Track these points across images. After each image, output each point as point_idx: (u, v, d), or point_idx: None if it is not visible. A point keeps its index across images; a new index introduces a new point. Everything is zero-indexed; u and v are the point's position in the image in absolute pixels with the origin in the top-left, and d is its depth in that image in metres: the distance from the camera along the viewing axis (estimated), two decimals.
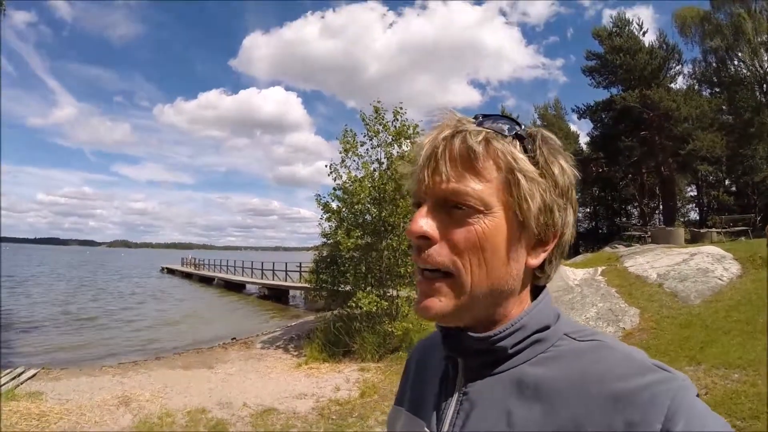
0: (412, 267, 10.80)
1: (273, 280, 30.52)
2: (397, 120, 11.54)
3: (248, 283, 33.26)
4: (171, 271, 54.61)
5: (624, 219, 32.86)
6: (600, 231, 33.17)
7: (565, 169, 0.71)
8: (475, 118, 0.70)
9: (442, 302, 0.67)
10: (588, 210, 35.09)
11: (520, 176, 0.66)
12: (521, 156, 0.67)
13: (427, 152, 0.68)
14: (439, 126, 0.70)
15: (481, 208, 0.65)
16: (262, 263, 34.10)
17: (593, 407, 0.59)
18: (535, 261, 0.71)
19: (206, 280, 40.53)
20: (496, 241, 0.67)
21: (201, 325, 18.42)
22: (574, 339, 0.69)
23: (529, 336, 0.70)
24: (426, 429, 0.75)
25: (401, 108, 11.61)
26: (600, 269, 11.52)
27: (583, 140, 34.75)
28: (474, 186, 0.65)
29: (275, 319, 19.84)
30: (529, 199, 0.67)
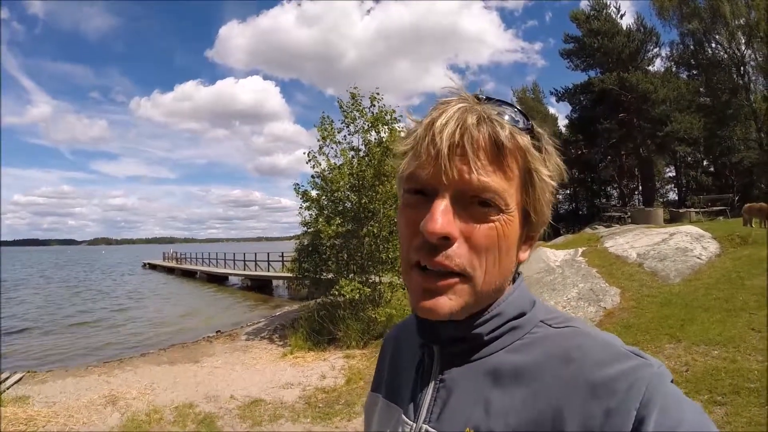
0: (393, 253, 10.82)
1: (256, 270, 30.52)
2: (374, 106, 11.49)
3: (231, 275, 33.27)
4: (153, 267, 54.05)
5: (604, 200, 33.21)
6: (580, 212, 33.56)
7: (562, 171, 0.70)
8: (476, 97, 0.66)
9: (452, 301, 0.63)
10: (568, 192, 35.31)
11: (536, 177, 0.65)
12: (537, 155, 0.66)
13: (451, 136, 0.61)
14: (452, 103, 0.64)
15: (503, 207, 0.63)
16: (244, 254, 33.96)
17: (571, 394, 0.59)
18: (525, 255, 0.72)
19: (189, 274, 40.19)
20: (511, 241, 0.66)
21: (185, 320, 18.31)
22: (550, 326, 0.69)
23: (505, 323, 0.69)
24: (403, 416, 0.74)
25: (378, 94, 11.53)
26: (580, 250, 11.61)
27: (562, 123, 35.06)
28: (501, 183, 0.63)
29: (259, 310, 19.79)
30: (542, 201, 0.67)
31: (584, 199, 34.90)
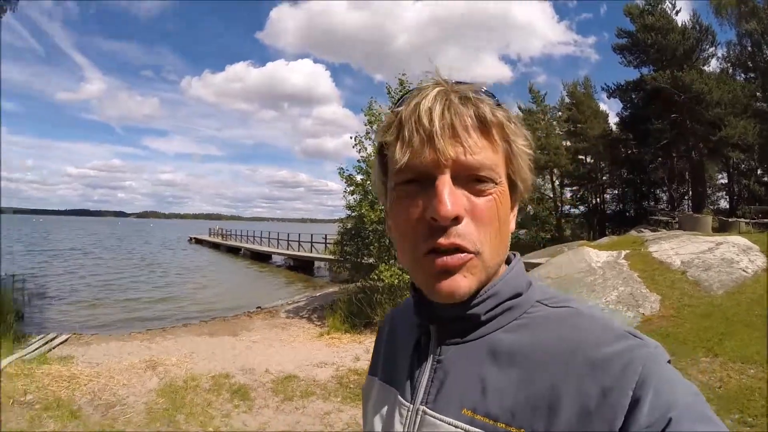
0: None
1: (299, 251, 30.79)
2: None
3: (275, 253, 33.62)
4: (199, 241, 55.35)
5: (652, 203, 32.02)
6: (627, 214, 32.33)
7: (530, 140, 0.72)
8: (447, 81, 0.68)
9: (468, 279, 0.64)
10: (616, 192, 34.26)
11: (515, 147, 0.68)
12: (513, 127, 0.68)
13: (441, 118, 0.63)
14: (429, 88, 0.66)
15: (497, 180, 0.66)
16: (288, 234, 34.38)
17: (568, 374, 0.60)
18: (513, 224, 0.74)
19: (233, 251, 41.06)
20: (506, 211, 0.69)
21: (227, 294, 18.80)
22: (547, 305, 0.70)
23: (501, 303, 0.69)
24: (400, 398, 0.74)
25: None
26: (624, 253, 11.38)
27: (613, 120, 33.55)
28: (491, 157, 0.65)
29: (300, 290, 20.07)
30: (525, 168, 0.70)
31: (632, 200, 33.55)
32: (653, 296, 8.53)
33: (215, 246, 47.28)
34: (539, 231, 28.50)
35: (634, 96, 30.80)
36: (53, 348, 9.19)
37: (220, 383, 7.00)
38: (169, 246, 53.18)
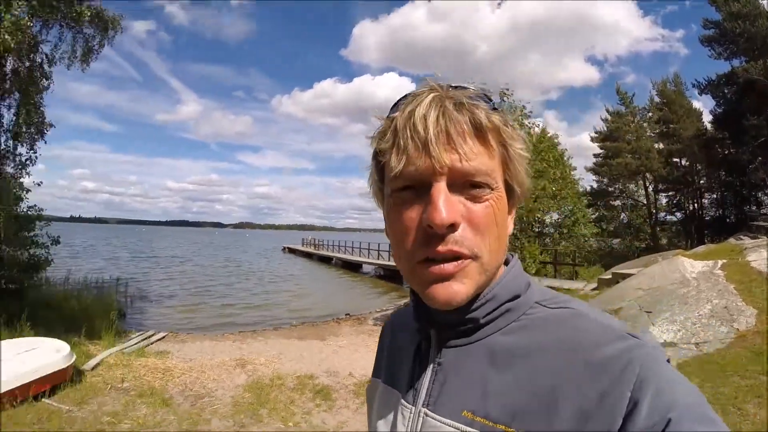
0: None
1: (389, 261, 30.38)
2: (504, 102, 11.40)
3: (365, 263, 33.92)
4: (292, 251, 57.11)
5: (753, 207, 28.33)
6: (727, 220, 29.28)
7: (527, 143, 0.71)
8: (441, 85, 0.68)
9: (465, 285, 0.64)
10: (714, 196, 31.09)
11: (512, 151, 0.68)
12: (509, 131, 0.68)
13: (436, 124, 0.62)
14: (424, 94, 0.66)
15: (493, 185, 0.65)
16: (379, 244, 34.62)
17: (568, 375, 0.60)
18: (510, 227, 0.74)
19: (325, 260, 41.91)
20: (504, 215, 0.69)
21: (317, 301, 19.36)
22: (546, 306, 0.70)
23: (500, 305, 0.70)
24: (402, 401, 0.75)
25: (507, 90, 11.60)
26: (720, 263, 10.70)
27: (707, 119, 30.33)
28: (487, 162, 0.65)
29: (389, 298, 20.28)
30: (522, 172, 0.70)
31: (732, 205, 30.28)
32: (749, 310, 7.99)
33: (308, 255, 48.43)
34: (633, 240, 27.43)
35: (726, 91, 27.93)
36: (151, 344, 9.90)
37: (304, 383, 7.28)
38: (265, 255, 55.39)
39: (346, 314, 15.51)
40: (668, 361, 0.59)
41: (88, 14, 11.01)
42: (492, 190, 0.65)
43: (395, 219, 0.67)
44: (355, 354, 9.56)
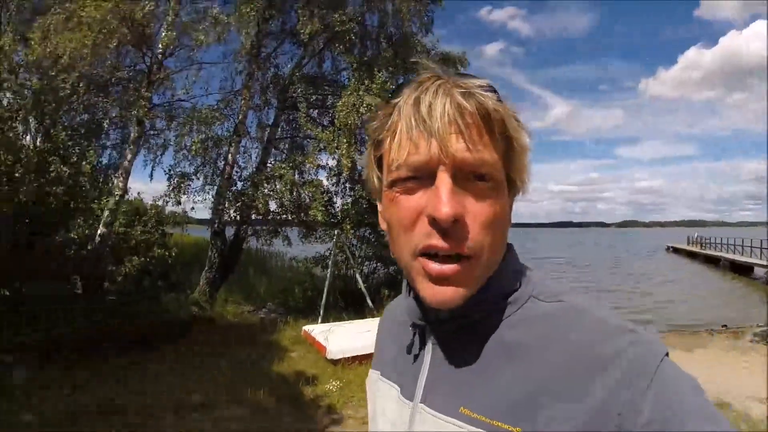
0: None
1: None
2: None
3: (756, 265, 27.99)
4: (676, 250, 52.62)
5: None
6: None
7: (530, 136, 0.69)
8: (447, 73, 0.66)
9: (464, 285, 0.63)
10: None
11: (516, 144, 0.66)
12: (515, 123, 0.66)
13: (443, 113, 0.60)
14: (430, 80, 0.64)
15: (497, 178, 0.64)
16: None
17: (565, 372, 0.59)
18: (509, 222, 0.72)
19: (712, 261, 36.40)
20: (507, 209, 0.67)
21: (693, 307, 17.68)
22: (542, 301, 0.68)
23: (496, 301, 0.68)
24: (401, 395, 0.75)
25: None
26: None
27: None
28: (493, 154, 0.63)
29: None
30: (525, 166, 0.68)
31: None
32: None
33: (692, 255, 43.59)
34: None
35: None
36: None
37: None
38: (646, 255, 52.45)
39: (722, 326, 13.76)
40: (667, 354, 0.59)
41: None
42: (496, 183, 0.64)
43: (396, 209, 0.65)
44: (712, 369, 8.61)
